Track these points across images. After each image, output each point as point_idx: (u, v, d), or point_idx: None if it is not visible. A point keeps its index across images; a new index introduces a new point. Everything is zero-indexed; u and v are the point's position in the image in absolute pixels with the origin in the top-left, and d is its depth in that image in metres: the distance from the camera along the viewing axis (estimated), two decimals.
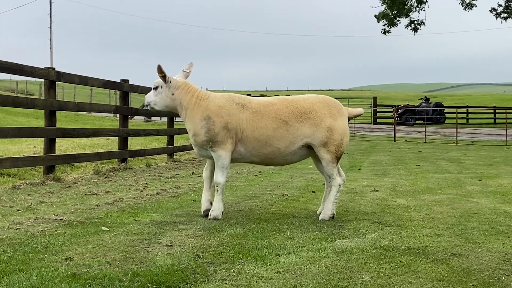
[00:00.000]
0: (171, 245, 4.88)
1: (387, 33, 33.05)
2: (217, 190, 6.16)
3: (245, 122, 6.08)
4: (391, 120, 33.03)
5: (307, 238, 5.24)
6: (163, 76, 6.29)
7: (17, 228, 5.40)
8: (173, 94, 6.34)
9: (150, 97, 6.45)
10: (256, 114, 6.12)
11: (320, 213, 6.36)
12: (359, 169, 12.26)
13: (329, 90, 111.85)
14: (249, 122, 6.09)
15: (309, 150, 6.27)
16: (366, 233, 5.52)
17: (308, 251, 4.77)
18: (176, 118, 22.73)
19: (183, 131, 15.89)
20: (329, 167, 6.24)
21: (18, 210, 6.43)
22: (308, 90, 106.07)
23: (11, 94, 45.40)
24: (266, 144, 6.10)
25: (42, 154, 10.11)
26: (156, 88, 6.40)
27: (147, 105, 6.51)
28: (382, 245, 5.00)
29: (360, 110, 6.77)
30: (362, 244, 5.02)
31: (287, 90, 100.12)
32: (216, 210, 6.15)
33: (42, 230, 5.34)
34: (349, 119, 6.59)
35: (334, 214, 6.22)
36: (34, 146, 13.96)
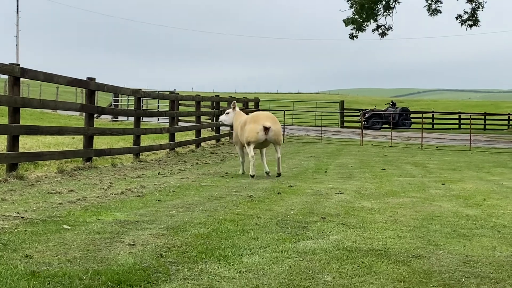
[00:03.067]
0: (133, 244, 4.84)
1: (354, 38, 33.29)
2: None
3: None
4: (358, 124, 33.28)
5: (271, 239, 5.25)
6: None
7: None
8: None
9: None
10: None
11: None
12: (325, 171, 12.32)
13: (298, 93, 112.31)
14: None
15: None
16: (330, 235, 5.54)
17: (272, 251, 4.78)
18: (144, 118, 22.56)
19: (150, 131, 15.79)
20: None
21: None
22: (277, 93, 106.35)
23: None
24: None
25: (4, 151, 9.93)
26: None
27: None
28: (345, 246, 5.03)
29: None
30: (326, 245, 5.04)
31: (255, 93, 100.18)
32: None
33: (1, 228, 5.25)
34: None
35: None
36: None
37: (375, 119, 37.42)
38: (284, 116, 25.29)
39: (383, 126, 37.43)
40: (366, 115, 36.35)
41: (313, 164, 14.21)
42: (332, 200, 7.95)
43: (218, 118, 11.64)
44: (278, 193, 8.44)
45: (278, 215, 6.57)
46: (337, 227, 5.93)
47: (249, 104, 29.01)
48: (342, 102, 41.05)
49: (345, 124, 39.13)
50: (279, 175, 10.97)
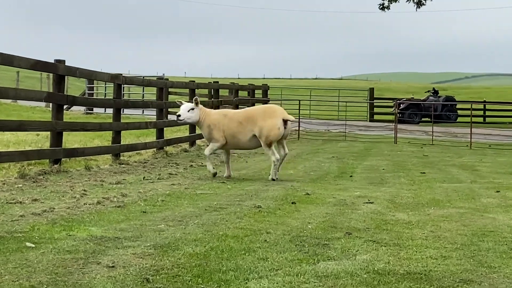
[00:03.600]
0: (113, 266, 4.85)
1: (386, 9, 33.26)
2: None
3: None
4: (391, 117, 33.24)
5: (283, 259, 5.25)
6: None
7: None
8: None
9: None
10: None
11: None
12: (351, 176, 12.32)
13: (316, 79, 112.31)
14: None
15: None
16: (357, 254, 5.54)
17: (285, 275, 4.78)
18: (125, 110, 22.61)
19: (133, 126, 15.82)
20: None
21: None
22: (290, 79, 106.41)
23: None
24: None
25: None
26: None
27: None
28: (376, 269, 5.03)
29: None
30: (352, 267, 5.04)
31: (264, 78, 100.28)
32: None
33: None
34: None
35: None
36: None
37: (413, 111, 37.37)
38: (299, 107, 25.31)
39: (423, 119, 37.37)
40: (402, 106, 36.30)
41: (335, 166, 14.20)
42: (359, 211, 7.93)
43: (178, 115, 11.57)
44: (292, 203, 8.44)
45: (293, 230, 6.57)
46: (365, 245, 5.92)
47: (256, 92, 29.05)
48: (371, 90, 41.01)
49: (375, 117, 39.08)
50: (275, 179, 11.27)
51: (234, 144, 11.77)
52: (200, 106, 11.78)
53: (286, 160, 15.38)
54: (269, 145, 11.36)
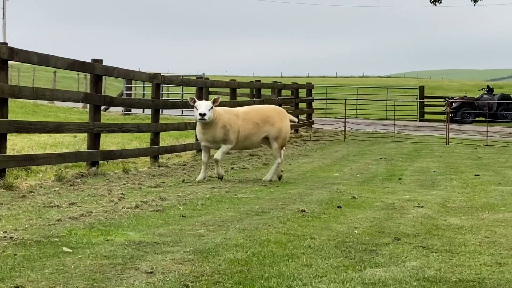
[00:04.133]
0: (151, 272, 4.89)
1: (437, 3, 32.96)
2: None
3: None
4: (443, 117, 32.95)
5: (328, 266, 5.24)
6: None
7: None
8: None
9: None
10: None
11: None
12: (400, 178, 12.25)
13: (363, 77, 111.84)
14: None
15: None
16: (406, 260, 5.51)
17: (330, 282, 4.77)
18: (164, 110, 22.74)
19: (172, 127, 15.92)
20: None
21: None
22: (336, 77, 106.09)
23: None
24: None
25: None
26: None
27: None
28: (426, 276, 5.00)
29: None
30: (401, 274, 5.01)
31: (308, 77, 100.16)
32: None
33: None
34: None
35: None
36: None
37: (466, 110, 36.99)
38: (345, 106, 25.22)
39: (476, 119, 36.98)
40: (454, 105, 35.97)
41: (383, 169, 14.13)
42: (408, 215, 7.89)
43: (202, 114, 10.88)
44: (338, 207, 8.43)
45: (338, 235, 6.55)
46: (415, 251, 5.89)
47: (300, 91, 29.04)
48: (421, 88, 40.69)
49: (426, 116, 38.79)
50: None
51: (242, 145, 11.89)
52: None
53: (332, 162, 15.39)
54: (282, 147, 11.80)
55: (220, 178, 11.37)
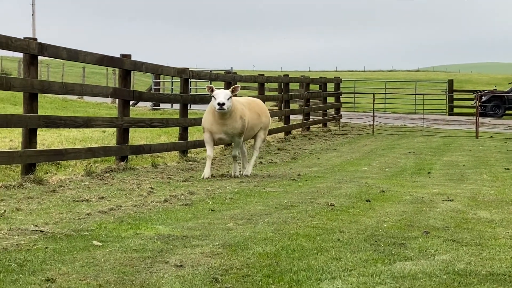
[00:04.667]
0: (181, 265, 4.91)
1: None
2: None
3: None
4: (472, 110, 32.73)
5: (357, 259, 5.24)
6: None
7: None
8: None
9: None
10: None
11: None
12: (429, 172, 12.20)
13: (391, 71, 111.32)
14: None
15: None
16: (436, 254, 5.49)
17: (359, 275, 4.76)
18: (192, 105, 22.79)
19: (200, 122, 15.94)
20: None
21: None
22: (364, 71, 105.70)
23: None
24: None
25: (19, 149, 10.24)
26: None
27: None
28: (456, 269, 4.97)
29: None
30: (430, 268, 4.99)
31: (336, 71, 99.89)
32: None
33: (17, 244, 5.41)
34: None
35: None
36: (11, 140, 14.14)
37: (496, 103, 36.71)
38: (373, 100, 25.12)
39: (506, 112, 36.68)
40: (484, 98, 35.71)
41: (412, 162, 14.07)
42: (438, 209, 7.86)
43: (221, 103, 10.33)
44: (367, 201, 8.41)
45: (367, 228, 6.54)
46: (445, 245, 5.86)
47: (328, 86, 28.97)
48: (450, 82, 40.43)
49: (455, 110, 38.54)
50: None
51: (244, 137, 11.40)
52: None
53: (360, 156, 15.35)
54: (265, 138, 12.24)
55: (236, 176, 11.10)
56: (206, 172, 10.75)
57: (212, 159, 13.72)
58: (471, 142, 20.59)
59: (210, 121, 10.83)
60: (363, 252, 5.51)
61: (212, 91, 10.62)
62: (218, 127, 10.76)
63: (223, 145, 15.79)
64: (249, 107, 11.26)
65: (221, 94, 10.47)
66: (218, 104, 10.34)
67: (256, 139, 11.71)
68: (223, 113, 10.52)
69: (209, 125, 10.86)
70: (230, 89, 10.70)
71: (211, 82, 34.71)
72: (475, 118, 24.13)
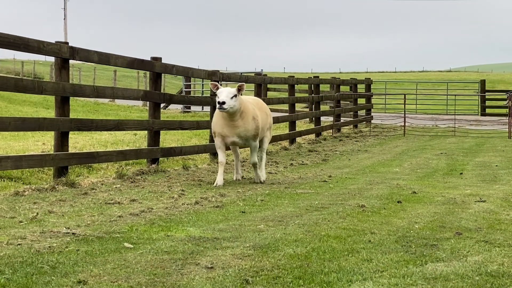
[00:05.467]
0: (212, 267, 4.92)
1: None
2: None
3: None
4: (505, 111, 32.43)
5: (388, 261, 5.21)
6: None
7: (19, 244, 5.54)
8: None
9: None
10: None
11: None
12: (461, 173, 12.11)
13: (423, 71, 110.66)
14: None
15: None
16: (468, 255, 5.45)
17: (390, 277, 4.74)
18: None
19: None
20: None
21: (21, 222, 6.60)
22: (395, 72, 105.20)
23: (13, 76, 46.52)
24: None
25: (51, 152, 10.33)
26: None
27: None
28: (488, 271, 4.93)
29: None
30: (462, 269, 4.96)
31: (366, 72, 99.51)
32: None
33: (49, 247, 5.46)
34: None
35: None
36: (43, 143, 14.27)
37: None
38: (404, 101, 24.99)
39: None
40: None
41: (444, 163, 13.97)
42: (470, 210, 7.80)
43: (221, 102, 9.56)
44: (398, 202, 8.37)
45: (398, 230, 6.51)
46: (477, 246, 5.82)
47: (358, 87, 28.88)
48: (482, 82, 40.09)
49: (487, 110, 38.20)
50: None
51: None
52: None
53: (391, 158, 15.27)
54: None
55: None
56: (219, 179, 10.01)
57: (243, 162, 13.75)
58: (504, 142, 20.40)
59: (221, 124, 10.12)
60: (394, 253, 5.48)
61: (218, 89, 9.89)
62: (230, 130, 10.07)
63: None
64: (258, 107, 10.61)
65: (223, 93, 9.70)
66: (218, 103, 9.58)
67: (263, 140, 10.83)
68: (232, 114, 9.83)
69: (220, 129, 10.14)
70: (236, 88, 9.86)
71: None
72: (507, 118, 23.90)
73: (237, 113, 9.89)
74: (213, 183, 9.99)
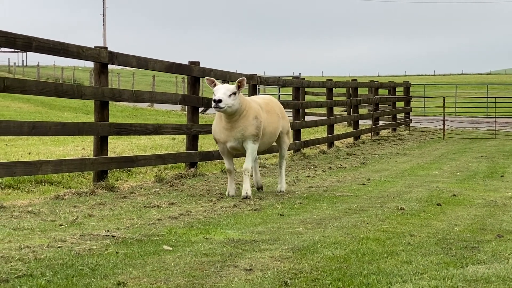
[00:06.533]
0: (250, 269, 4.92)
1: None
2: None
3: None
4: None
5: (428, 263, 5.18)
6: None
7: (59, 246, 5.59)
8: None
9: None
10: None
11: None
12: (502, 176, 11.98)
13: (462, 74, 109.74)
14: None
15: None
16: (510, 257, 5.40)
17: (430, 279, 4.71)
18: None
19: None
20: None
21: (61, 225, 6.66)
22: (434, 75, 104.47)
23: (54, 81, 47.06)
24: None
25: (91, 156, 10.42)
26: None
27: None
28: None
29: None
30: (504, 272, 4.91)
31: (405, 75, 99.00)
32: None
33: (89, 249, 5.51)
34: None
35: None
36: (83, 148, 14.42)
37: None
38: (443, 104, 24.78)
39: None
40: None
41: (484, 166, 13.83)
42: (511, 212, 7.71)
43: (217, 100, 8.48)
44: (438, 204, 8.31)
45: (438, 232, 6.47)
46: None
47: (397, 90, 28.73)
48: None
49: None
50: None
51: (261, 145, 9.35)
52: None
53: (431, 161, 15.16)
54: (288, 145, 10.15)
55: (248, 197, 8.82)
56: (230, 189, 9.13)
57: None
58: None
59: (219, 128, 9.06)
60: (434, 255, 5.45)
61: (215, 85, 8.82)
62: (226, 134, 8.96)
63: (291, 150, 15.78)
64: (268, 108, 9.40)
65: (220, 90, 8.64)
66: (214, 101, 8.51)
67: (281, 146, 9.90)
68: (230, 114, 8.73)
69: (218, 134, 9.09)
70: (236, 84, 8.79)
71: (279, 88, 34.81)
72: None
73: (236, 113, 8.77)
74: (252, 186, 9.98)
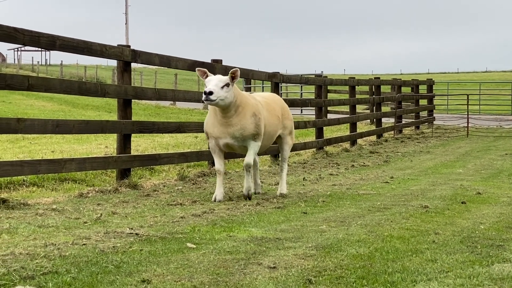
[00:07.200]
0: (274, 267, 4.92)
1: None
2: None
3: None
4: None
5: (454, 261, 5.15)
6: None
7: (84, 244, 5.61)
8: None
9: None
10: None
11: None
12: None
13: (486, 72, 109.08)
14: None
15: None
16: None
17: (455, 277, 4.68)
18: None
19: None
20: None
21: (85, 223, 6.69)
22: (457, 73, 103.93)
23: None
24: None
25: (114, 154, 10.47)
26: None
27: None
28: None
29: None
30: None
31: (428, 73, 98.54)
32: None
33: (113, 247, 5.53)
34: None
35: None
36: (106, 146, 14.50)
37: None
38: (467, 102, 24.66)
39: None
40: None
41: (509, 164, 13.75)
42: None
43: (208, 92, 7.83)
44: (462, 203, 8.26)
45: (463, 230, 6.43)
46: None
47: (420, 88, 28.60)
48: None
49: None
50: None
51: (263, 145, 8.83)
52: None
53: (454, 159, 15.08)
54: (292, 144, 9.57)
55: (249, 197, 8.52)
56: (218, 193, 8.41)
57: (304, 163, 13.72)
58: None
59: (212, 122, 8.45)
60: (459, 253, 5.42)
61: (207, 76, 8.21)
62: (220, 129, 8.37)
63: (314, 149, 15.76)
64: (268, 107, 8.84)
65: (212, 81, 8.03)
66: (205, 93, 7.89)
67: (283, 147, 9.34)
68: (223, 108, 8.10)
69: (210, 128, 8.47)
70: (229, 75, 8.15)
71: (301, 86, 34.78)
72: None
73: (230, 107, 8.16)
74: (275, 184, 9.98)
